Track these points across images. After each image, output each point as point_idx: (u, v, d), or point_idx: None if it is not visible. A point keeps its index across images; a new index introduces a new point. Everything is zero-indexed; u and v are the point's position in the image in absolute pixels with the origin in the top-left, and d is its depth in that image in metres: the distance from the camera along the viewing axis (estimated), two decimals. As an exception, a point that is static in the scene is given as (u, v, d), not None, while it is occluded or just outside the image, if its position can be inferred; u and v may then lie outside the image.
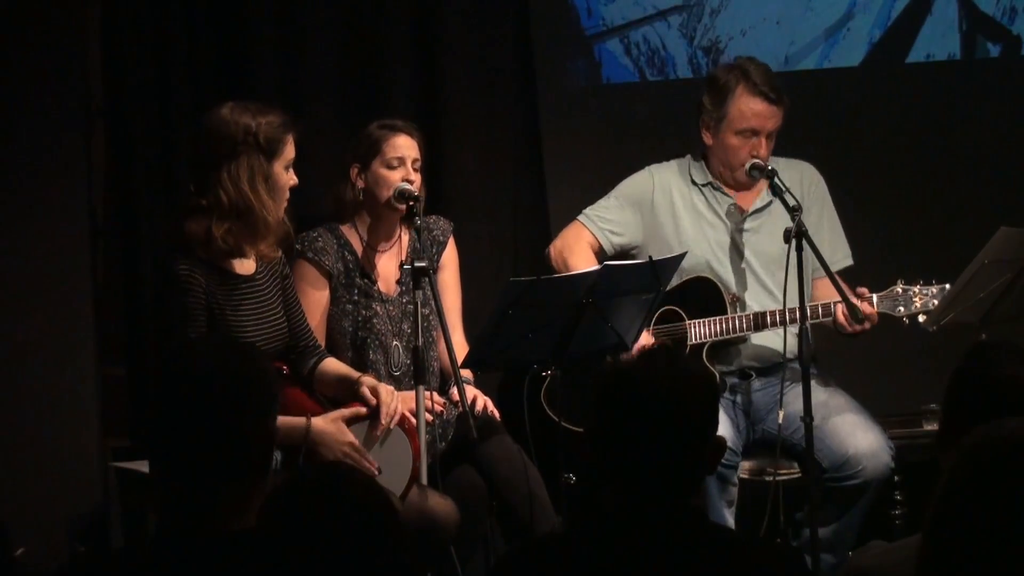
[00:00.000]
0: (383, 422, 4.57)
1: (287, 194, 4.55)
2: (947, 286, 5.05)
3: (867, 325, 5.03)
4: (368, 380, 4.65)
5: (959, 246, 5.18)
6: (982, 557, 2.20)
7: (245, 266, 4.55)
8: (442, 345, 5.00)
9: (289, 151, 4.52)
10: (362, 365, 4.93)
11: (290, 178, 4.54)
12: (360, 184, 5.02)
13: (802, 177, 5.29)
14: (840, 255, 5.32)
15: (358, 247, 5.04)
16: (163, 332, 4.57)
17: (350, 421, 4.57)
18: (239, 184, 4.43)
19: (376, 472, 4.51)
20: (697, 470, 2.82)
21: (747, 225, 5.30)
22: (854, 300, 5.00)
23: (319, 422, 4.53)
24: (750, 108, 5.20)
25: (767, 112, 5.20)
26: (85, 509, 5.34)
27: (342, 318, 5.01)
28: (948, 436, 3.00)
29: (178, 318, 4.43)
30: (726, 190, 5.32)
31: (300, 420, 4.48)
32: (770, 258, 5.24)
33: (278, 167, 4.49)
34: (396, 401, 4.60)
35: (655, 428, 2.76)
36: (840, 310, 5.03)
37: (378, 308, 5.02)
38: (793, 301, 4.98)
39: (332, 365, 4.76)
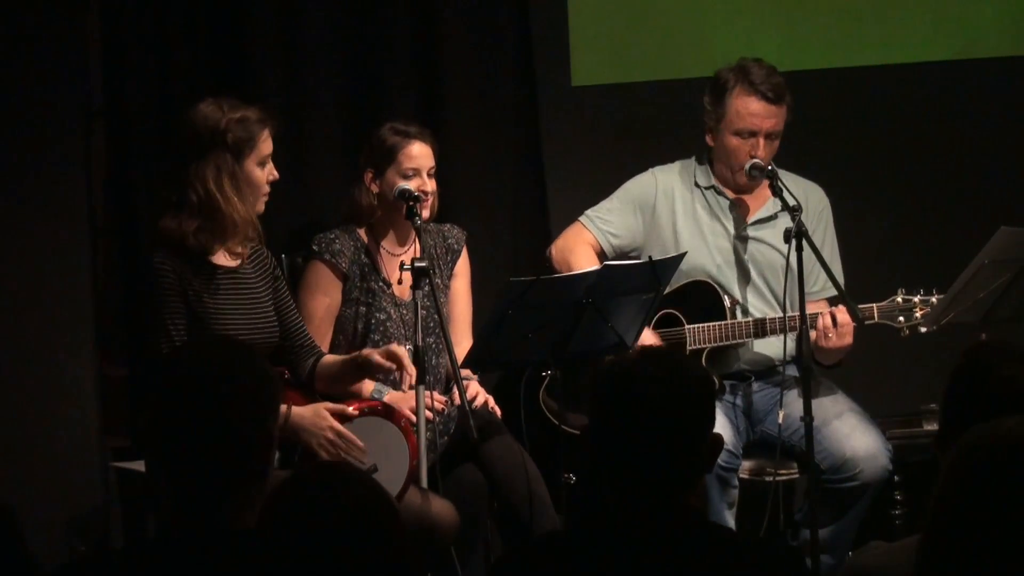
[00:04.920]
0: (410, 376, 4.54)
1: (264, 189, 4.59)
2: (948, 295, 5.05)
3: (847, 339, 5.00)
4: (375, 350, 4.63)
5: (959, 247, 5.18)
6: (981, 556, 2.20)
7: (228, 259, 4.58)
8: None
9: (264, 147, 4.56)
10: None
11: (268, 173, 4.58)
12: (375, 189, 5.03)
13: (808, 198, 5.23)
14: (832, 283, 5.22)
15: (374, 250, 5.05)
16: (147, 325, 4.61)
17: (341, 419, 4.57)
18: (205, 182, 4.49)
19: (368, 455, 4.51)
20: (695, 468, 2.82)
21: (750, 233, 5.28)
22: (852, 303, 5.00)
23: (299, 409, 4.53)
24: (746, 107, 5.18)
25: (764, 112, 5.17)
26: (85, 509, 5.34)
27: (355, 320, 5.00)
28: (947, 436, 3.01)
29: (158, 311, 4.48)
30: (729, 195, 5.30)
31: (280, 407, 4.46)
32: (771, 268, 5.23)
33: (249, 164, 4.55)
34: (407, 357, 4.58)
35: (652, 427, 2.76)
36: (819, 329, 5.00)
37: (392, 311, 5.02)
38: (793, 303, 4.97)
39: (331, 358, 4.76)
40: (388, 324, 5.01)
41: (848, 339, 5.04)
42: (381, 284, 5.04)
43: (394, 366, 4.59)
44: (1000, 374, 3.01)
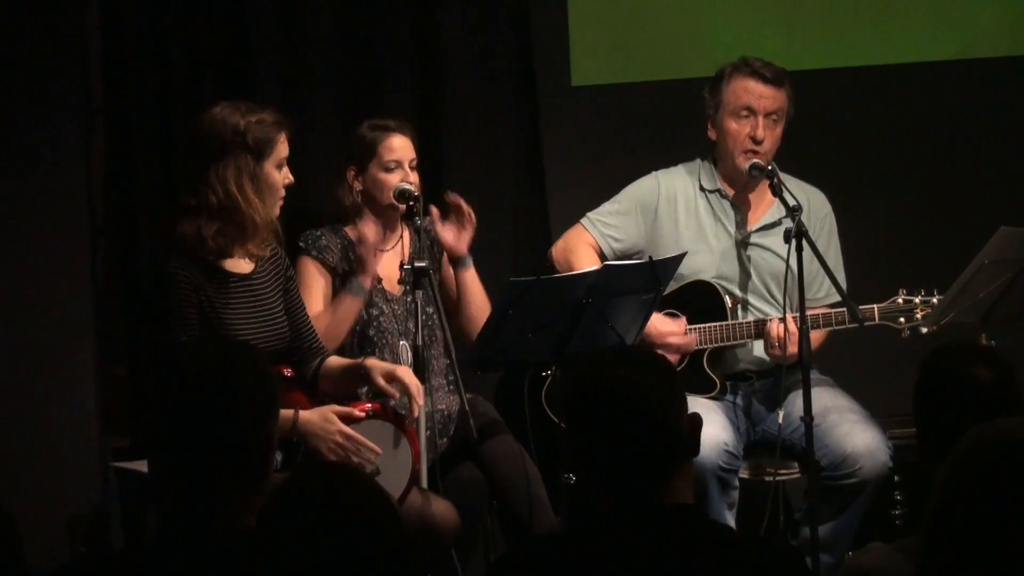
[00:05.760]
0: (417, 404, 4.53)
1: (281, 193, 4.54)
2: (948, 295, 5.04)
3: (791, 350, 4.98)
4: (378, 366, 4.59)
5: (959, 247, 5.18)
6: (982, 558, 2.20)
7: (241, 265, 4.55)
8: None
9: (281, 150, 4.52)
10: None
11: (284, 176, 4.54)
12: (358, 187, 5.04)
13: (809, 204, 5.21)
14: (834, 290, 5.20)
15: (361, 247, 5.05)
16: (158, 333, 4.57)
17: (347, 421, 4.56)
18: (226, 184, 4.44)
19: (374, 458, 4.49)
20: (678, 450, 2.81)
21: (753, 239, 5.26)
22: (852, 304, 4.99)
23: (306, 413, 4.49)
24: (742, 86, 5.18)
25: (761, 91, 5.17)
26: (85, 509, 5.34)
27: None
28: (930, 448, 3.03)
29: (170, 318, 4.43)
30: (730, 192, 5.29)
31: (288, 412, 4.45)
32: (773, 275, 5.22)
33: (268, 166, 4.50)
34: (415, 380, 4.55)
35: (624, 416, 2.77)
36: (774, 328, 4.99)
37: (384, 307, 5.03)
38: (794, 308, 4.97)
39: (335, 360, 4.75)
40: (381, 320, 5.01)
41: (794, 348, 4.99)
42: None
43: (396, 393, 4.56)
44: (961, 375, 3.04)
